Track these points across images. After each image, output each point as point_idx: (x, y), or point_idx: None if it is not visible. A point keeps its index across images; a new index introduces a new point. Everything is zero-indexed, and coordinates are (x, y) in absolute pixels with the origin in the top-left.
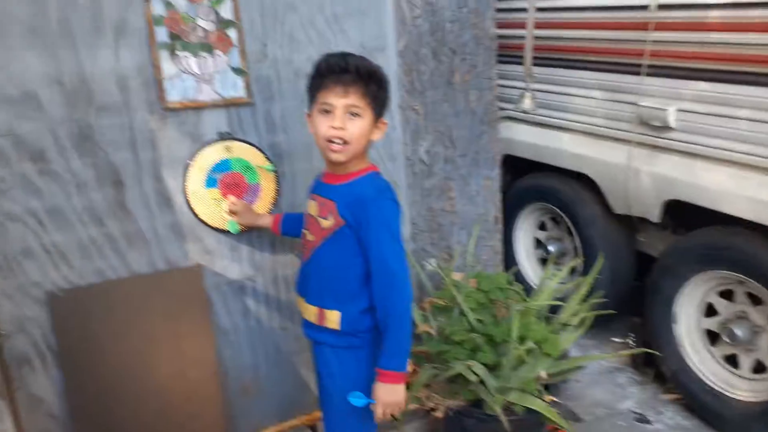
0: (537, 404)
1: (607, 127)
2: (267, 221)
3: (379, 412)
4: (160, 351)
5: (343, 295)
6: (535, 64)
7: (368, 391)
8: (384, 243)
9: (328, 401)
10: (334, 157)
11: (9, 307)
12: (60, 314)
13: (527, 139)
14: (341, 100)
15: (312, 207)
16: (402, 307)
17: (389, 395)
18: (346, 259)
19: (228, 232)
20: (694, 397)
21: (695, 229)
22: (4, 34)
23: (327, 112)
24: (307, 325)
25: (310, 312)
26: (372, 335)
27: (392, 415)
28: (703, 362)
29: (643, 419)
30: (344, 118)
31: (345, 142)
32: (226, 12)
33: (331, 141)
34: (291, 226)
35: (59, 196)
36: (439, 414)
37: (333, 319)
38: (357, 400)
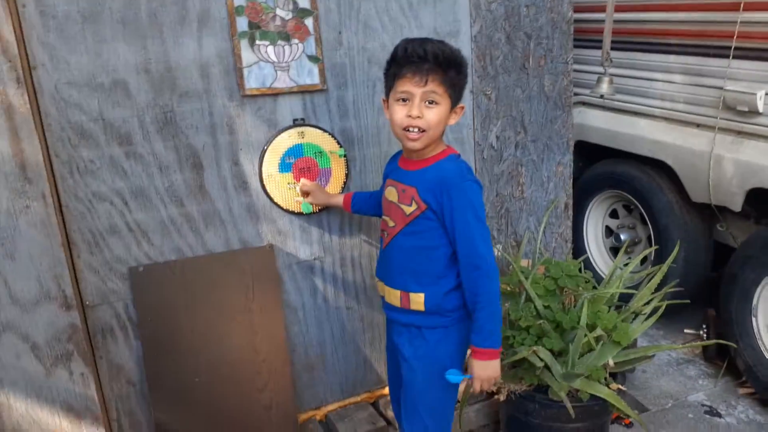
0: (603, 392)
1: (688, 113)
2: (338, 200)
3: (477, 386)
4: (233, 325)
5: (428, 278)
6: (614, 48)
7: (460, 367)
8: (471, 226)
9: (411, 379)
10: (411, 145)
11: (94, 280)
12: (140, 288)
13: (603, 125)
14: (420, 89)
15: (392, 193)
16: (492, 287)
17: (485, 370)
18: (430, 242)
19: (300, 213)
20: None
21: None
22: (97, 25)
23: (405, 100)
24: (390, 307)
25: (394, 296)
26: (459, 314)
27: (484, 390)
28: None
29: (713, 412)
30: (422, 107)
31: (422, 130)
32: (303, 1)
33: (407, 129)
34: (362, 204)
35: (143, 178)
36: (501, 397)
37: (418, 301)
38: (454, 377)
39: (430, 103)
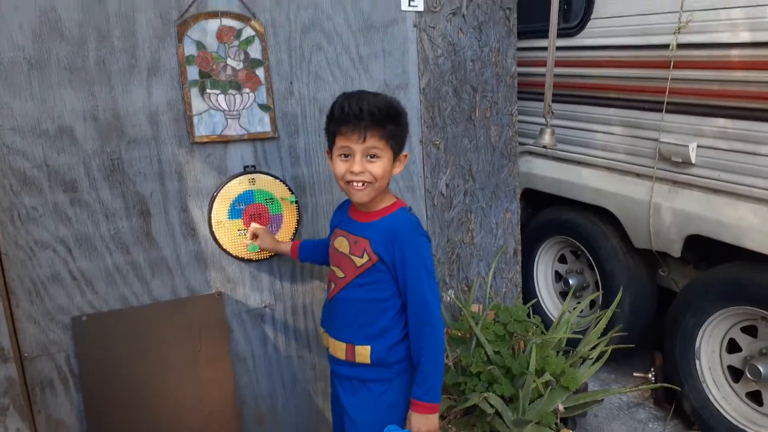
0: None
1: (628, 163)
2: (286, 247)
3: None
4: (179, 377)
5: (375, 330)
6: (556, 101)
7: (400, 421)
8: (422, 281)
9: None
10: (358, 197)
11: (34, 330)
12: (83, 339)
13: (548, 174)
14: (360, 146)
15: (342, 244)
16: (439, 341)
17: (426, 424)
18: (380, 294)
19: (250, 260)
20: None
21: (717, 264)
22: (44, 71)
23: (346, 156)
24: (335, 360)
25: (339, 348)
26: (402, 366)
27: None
28: (725, 399)
29: None
30: (363, 162)
31: (366, 182)
32: (254, 52)
33: (351, 182)
34: (310, 252)
35: (88, 225)
36: None
37: (364, 354)
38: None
39: (371, 157)
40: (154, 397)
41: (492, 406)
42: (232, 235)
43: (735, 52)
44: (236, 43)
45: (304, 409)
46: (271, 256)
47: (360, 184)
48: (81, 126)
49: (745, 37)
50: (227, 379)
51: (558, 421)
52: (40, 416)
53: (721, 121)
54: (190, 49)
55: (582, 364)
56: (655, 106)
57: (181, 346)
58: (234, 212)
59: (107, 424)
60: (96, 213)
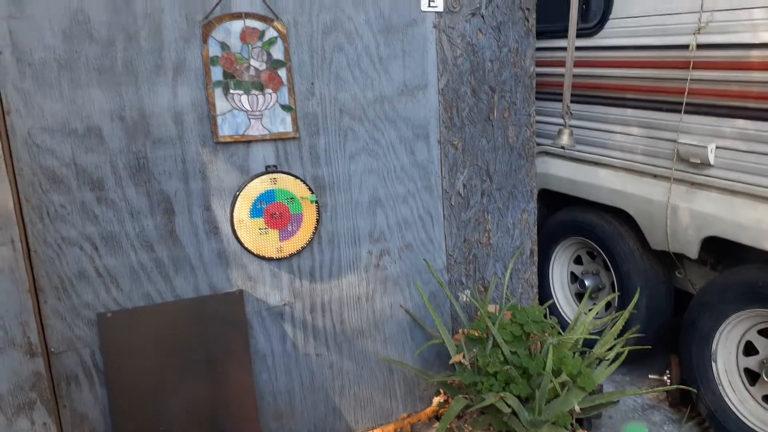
0: None
1: (645, 164)
2: None
3: None
4: (201, 373)
5: None
6: (574, 101)
7: None
8: None
9: None
10: None
11: (60, 326)
12: (108, 335)
13: (565, 174)
14: None
15: None
16: None
17: None
18: None
19: (271, 259)
20: None
21: (734, 266)
22: (73, 72)
23: None
24: None
25: None
26: None
27: None
28: (741, 402)
29: None
30: None
31: None
32: (277, 53)
33: None
34: None
35: (114, 223)
36: None
37: None
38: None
39: None
40: (176, 392)
41: (508, 405)
42: (253, 233)
43: (756, 53)
44: (259, 44)
45: (321, 407)
46: (291, 255)
47: None
48: (108, 125)
49: (765, 37)
50: (247, 376)
51: (574, 421)
52: (65, 411)
53: (740, 122)
54: (214, 50)
55: (598, 365)
56: (673, 107)
57: (203, 343)
58: (255, 211)
59: (130, 419)
60: (121, 211)
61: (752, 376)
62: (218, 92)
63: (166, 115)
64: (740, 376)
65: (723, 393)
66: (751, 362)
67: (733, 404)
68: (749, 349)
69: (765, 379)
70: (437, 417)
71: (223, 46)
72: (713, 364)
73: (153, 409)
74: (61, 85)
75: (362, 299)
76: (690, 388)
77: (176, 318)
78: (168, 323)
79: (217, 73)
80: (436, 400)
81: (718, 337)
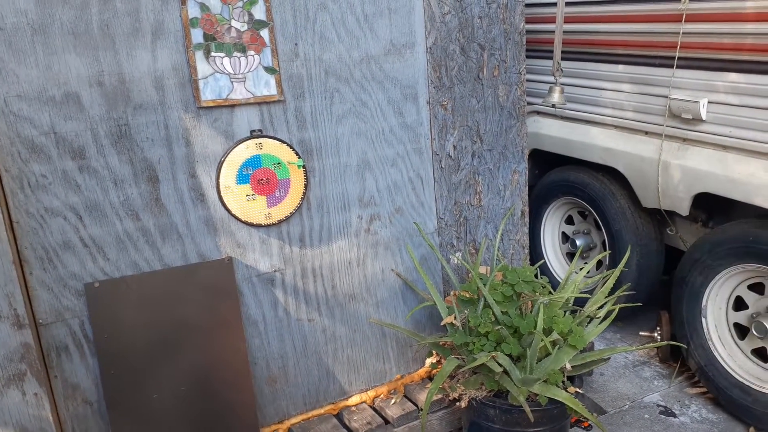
0: (561, 395)
1: (637, 121)
2: None
3: None
4: (192, 340)
5: None
6: (564, 59)
7: None
8: None
9: None
10: None
11: (47, 297)
12: (96, 305)
13: (555, 134)
14: None
15: None
16: None
17: None
18: None
19: (259, 225)
20: (721, 391)
21: (725, 222)
22: (47, 37)
23: None
24: None
25: None
26: None
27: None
28: (731, 356)
29: (668, 412)
30: None
31: None
32: (258, 13)
33: None
34: None
35: (97, 192)
36: (462, 404)
37: None
38: None
39: None
40: (167, 360)
41: (500, 365)
42: (240, 200)
43: (749, 4)
44: (240, 4)
45: (314, 371)
46: (279, 221)
47: None
48: (87, 92)
49: None
50: (239, 342)
51: (565, 379)
52: (56, 381)
53: (733, 76)
54: (194, 11)
55: (589, 323)
56: (665, 62)
57: (193, 310)
58: (242, 177)
59: (122, 387)
60: (105, 180)
61: (741, 331)
62: (199, 55)
63: (147, 80)
64: (730, 330)
65: (712, 348)
66: (741, 317)
67: (722, 358)
68: (739, 304)
69: (754, 333)
70: (430, 377)
71: (203, 6)
72: (703, 319)
73: (144, 377)
74: (35, 51)
75: (353, 264)
76: (680, 344)
77: (165, 286)
78: (157, 292)
79: (197, 35)
80: (429, 361)
81: (709, 292)
